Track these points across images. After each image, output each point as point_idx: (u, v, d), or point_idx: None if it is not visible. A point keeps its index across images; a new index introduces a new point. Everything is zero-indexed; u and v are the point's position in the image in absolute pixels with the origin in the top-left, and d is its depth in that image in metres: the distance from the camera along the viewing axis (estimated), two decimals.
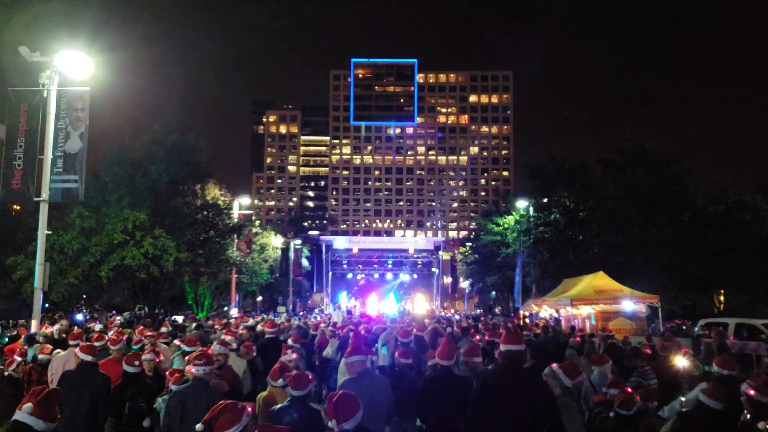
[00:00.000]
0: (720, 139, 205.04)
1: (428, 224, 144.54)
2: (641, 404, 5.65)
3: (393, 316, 30.69)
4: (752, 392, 5.29)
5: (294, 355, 8.19)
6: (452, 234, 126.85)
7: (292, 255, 52.70)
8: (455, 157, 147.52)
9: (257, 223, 41.21)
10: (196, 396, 5.61)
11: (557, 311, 23.25)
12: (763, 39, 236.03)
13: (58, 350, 9.33)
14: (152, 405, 7.01)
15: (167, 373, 7.41)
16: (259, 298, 48.59)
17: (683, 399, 6.93)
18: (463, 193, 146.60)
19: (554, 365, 6.14)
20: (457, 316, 38.14)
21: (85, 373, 6.99)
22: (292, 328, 16.36)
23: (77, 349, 7.31)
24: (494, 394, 4.91)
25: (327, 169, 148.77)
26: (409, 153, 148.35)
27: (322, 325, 18.50)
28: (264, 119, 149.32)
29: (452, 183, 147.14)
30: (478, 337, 12.60)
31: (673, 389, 8.06)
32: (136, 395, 6.95)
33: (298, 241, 57.78)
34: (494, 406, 4.85)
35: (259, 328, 14.57)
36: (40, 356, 8.73)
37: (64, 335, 11.74)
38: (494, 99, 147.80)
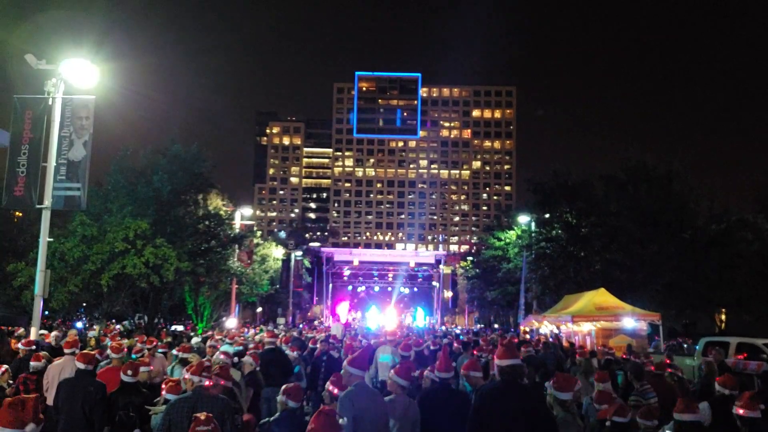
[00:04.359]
0: (722, 158, 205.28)
1: (429, 238, 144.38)
2: (642, 423, 5.63)
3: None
4: (741, 411, 5.23)
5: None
6: (453, 248, 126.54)
7: (292, 266, 52.59)
8: (457, 171, 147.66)
9: (258, 233, 41.19)
10: (204, 404, 5.48)
11: (558, 327, 23.15)
12: (766, 55, 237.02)
13: (44, 353, 9.33)
14: (146, 415, 6.95)
15: (164, 383, 7.37)
16: (259, 309, 48.44)
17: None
18: (465, 207, 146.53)
19: (547, 384, 6.01)
20: (457, 330, 38.02)
21: (81, 381, 6.97)
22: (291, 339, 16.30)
23: (75, 358, 7.28)
24: (494, 410, 4.87)
25: (329, 181, 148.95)
26: (411, 166, 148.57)
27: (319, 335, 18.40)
28: (267, 130, 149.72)
29: (454, 197, 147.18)
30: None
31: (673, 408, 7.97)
32: (127, 405, 6.90)
33: (299, 253, 57.68)
34: (494, 423, 4.81)
35: (257, 338, 14.52)
36: (32, 364, 8.64)
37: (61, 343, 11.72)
38: (497, 114, 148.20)
